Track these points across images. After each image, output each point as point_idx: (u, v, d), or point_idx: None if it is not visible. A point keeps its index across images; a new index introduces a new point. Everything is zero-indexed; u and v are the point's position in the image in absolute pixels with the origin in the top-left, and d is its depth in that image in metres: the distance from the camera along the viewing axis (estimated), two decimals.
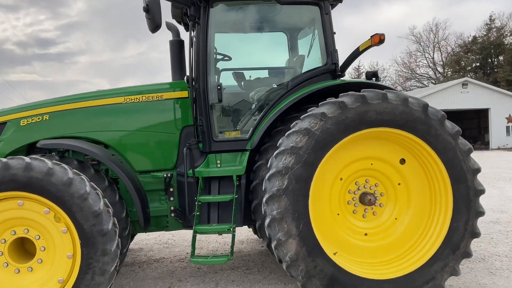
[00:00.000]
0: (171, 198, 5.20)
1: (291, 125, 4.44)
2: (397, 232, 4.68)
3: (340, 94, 4.43)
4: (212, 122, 5.10)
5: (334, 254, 4.36)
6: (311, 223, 4.23)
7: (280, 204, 4.17)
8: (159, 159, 5.27)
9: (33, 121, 5.21)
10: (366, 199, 4.57)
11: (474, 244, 5.57)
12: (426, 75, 62.68)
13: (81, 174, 4.17)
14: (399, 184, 4.69)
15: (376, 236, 4.67)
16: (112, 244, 4.02)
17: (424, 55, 62.16)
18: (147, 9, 4.57)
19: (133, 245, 7.42)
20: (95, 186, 4.18)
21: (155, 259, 6.63)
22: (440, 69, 61.98)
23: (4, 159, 3.96)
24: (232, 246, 4.66)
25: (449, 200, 4.47)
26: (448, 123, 4.45)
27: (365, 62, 66.96)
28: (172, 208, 5.20)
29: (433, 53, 61.62)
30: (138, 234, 6.92)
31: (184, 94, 5.33)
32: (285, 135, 4.37)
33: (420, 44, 61.58)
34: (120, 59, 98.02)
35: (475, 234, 4.45)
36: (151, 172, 5.26)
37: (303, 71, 5.38)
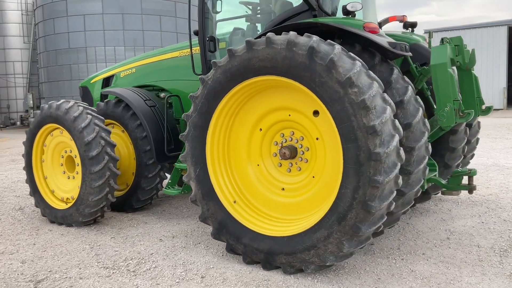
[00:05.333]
0: None
1: None
2: (311, 191, 4.19)
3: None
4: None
5: (234, 202, 4.42)
6: (208, 169, 4.44)
7: (185, 149, 4.57)
8: None
9: (127, 73, 7.03)
10: (281, 152, 4.29)
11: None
12: None
13: (92, 114, 5.69)
14: (317, 138, 4.13)
15: (292, 192, 4.34)
16: (97, 166, 5.43)
17: None
18: None
19: None
20: (98, 123, 5.61)
21: None
22: None
23: (51, 102, 5.90)
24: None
25: (340, 161, 3.72)
26: (342, 68, 3.60)
27: None
28: None
29: None
30: None
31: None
32: None
33: None
34: None
35: (368, 206, 3.56)
36: None
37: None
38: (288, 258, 4.00)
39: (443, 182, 4.99)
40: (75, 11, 26.22)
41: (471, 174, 4.90)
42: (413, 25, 5.88)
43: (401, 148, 3.69)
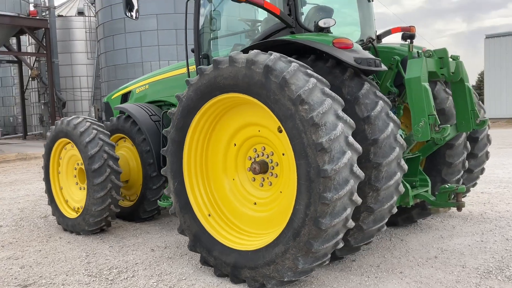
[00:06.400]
0: None
1: None
2: (278, 206, 4.23)
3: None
4: None
5: (208, 215, 4.54)
6: (185, 183, 4.60)
7: (166, 163, 4.76)
8: None
9: (142, 90, 7.39)
10: (252, 167, 4.36)
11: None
12: None
13: (98, 129, 6.04)
14: (283, 154, 4.16)
15: (262, 207, 4.40)
16: (99, 178, 5.77)
17: None
18: None
19: None
20: (102, 138, 5.96)
21: None
22: None
23: (63, 118, 6.34)
24: None
25: (295, 177, 3.73)
26: (295, 86, 3.64)
27: None
28: None
29: None
30: None
31: None
32: None
33: None
34: None
35: (318, 223, 3.55)
36: None
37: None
38: (251, 272, 4.06)
39: (432, 198, 4.84)
40: (132, 28, 27.52)
41: (458, 190, 4.71)
42: (411, 36, 5.78)
43: (355, 165, 3.65)
